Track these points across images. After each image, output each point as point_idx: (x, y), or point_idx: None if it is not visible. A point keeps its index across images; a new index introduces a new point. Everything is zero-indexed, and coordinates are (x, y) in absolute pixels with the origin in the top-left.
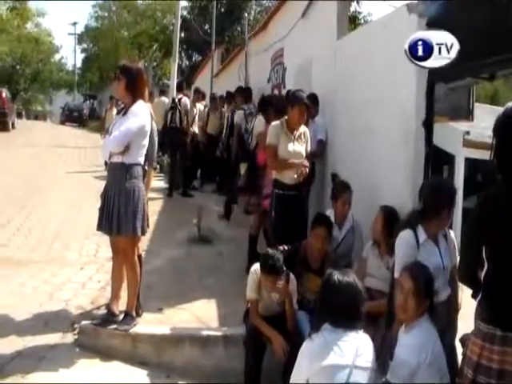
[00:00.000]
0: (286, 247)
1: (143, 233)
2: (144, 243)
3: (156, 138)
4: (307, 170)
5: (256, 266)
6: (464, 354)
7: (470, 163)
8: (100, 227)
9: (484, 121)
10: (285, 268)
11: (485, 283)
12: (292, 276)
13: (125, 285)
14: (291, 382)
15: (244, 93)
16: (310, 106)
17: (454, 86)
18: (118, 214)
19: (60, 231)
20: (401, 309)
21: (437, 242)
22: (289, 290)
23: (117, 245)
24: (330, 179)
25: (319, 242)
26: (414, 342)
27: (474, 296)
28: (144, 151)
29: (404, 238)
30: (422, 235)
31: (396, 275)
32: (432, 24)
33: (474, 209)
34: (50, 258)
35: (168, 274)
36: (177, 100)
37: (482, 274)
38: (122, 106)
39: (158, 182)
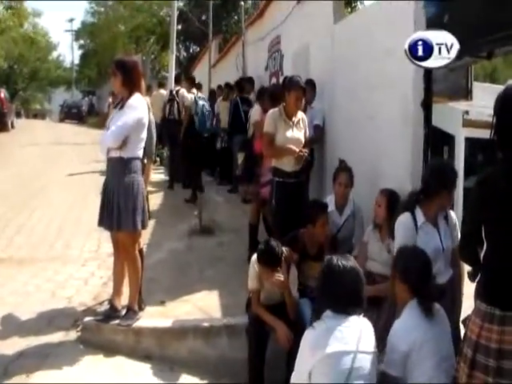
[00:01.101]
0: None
1: (144, 227)
2: (145, 236)
3: (154, 131)
4: (306, 154)
5: (256, 256)
6: (464, 334)
7: (471, 143)
8: (101, 223)
9: (483, 100)
10: (286, 253)
11: (484, 263)
12: (292, 265)
13: (127, 280)
14: (295, 371)
15: (191, 79)
16: (306, 90)
17: (452, 66)
18: (118, 209)
19: (61, 229)
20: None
21: (436, 224)
22: (288, 284)
23: (117, 240)
24: (336, 166)
25: (324, 229)
26: (402, 326)
27: (472, 276)
28: (142, 145)
29: (402, 221)
30: (421, 218)
31: None
32: (429, 6)
33: (474, 187)
34: (52, 255)
35: (170, 266)
36: (174, 92)
37: (482, 254)
38: (120, 99)
39: (158, 174)
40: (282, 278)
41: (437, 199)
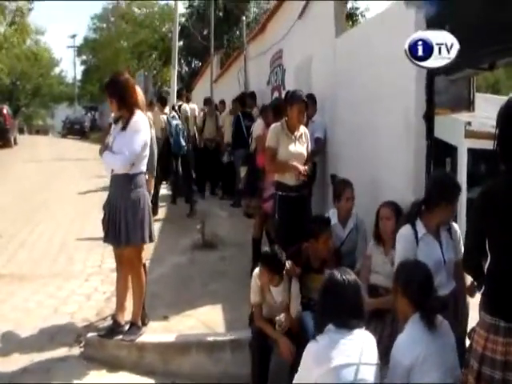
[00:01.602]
0: None
1: (151, 240)
2: (148, 251)
3: (155, 147)
4: (306, 171)
5: (258, 270)
6: (470, 346)
7: (473, 154)
8: (106, 239)
9: (486, 111)
10: (289, 266)
11: (488, 275)
12: (294, 279)
13: (130, 294)
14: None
15: (162, 100)
16: (308, 105)
17: (454, 77)
18: (125, 225)
19: (64, 244)
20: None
21: (438, 236)
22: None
23: (123, 255)
24: (337, 180)
25: (327, 245)
26: (405, 341)
27: (474, 290)
28: (146, 160)
29: (403, 233)
30: (421, 229)
31: None
32: (430, 17)
33: (477, 199)
34: (54, 271)
35: (173, 281)
36: (176, 107)
37: (486, 266)
38: (118, 116)
39: (162, 189)
40: (284, 322)
41: (438, 211)
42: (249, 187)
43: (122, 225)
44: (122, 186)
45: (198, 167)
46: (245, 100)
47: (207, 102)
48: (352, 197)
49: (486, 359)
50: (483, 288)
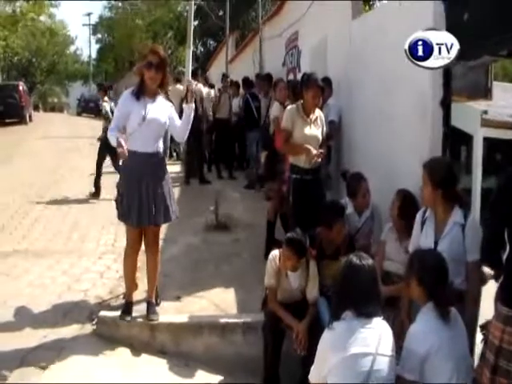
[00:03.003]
0: None
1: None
2: (162, 231)
3: None
4: (321, 155)
5: (275, 253)
6: (486, 339)
7: (489, 143)
8: (145, 220)
9: (503, 100)
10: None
11: (506, 265)
12: (312, 261)
13: (140, 274)
14: (313, 369)
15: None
16: (324, 88)
17: (471, 64)
18: (164, 203)
19: (77, 221)
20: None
21: (442, 224)
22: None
23: (149, 233)
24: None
25: (341, 233)
26: (420, 330)
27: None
28: None
29: (417, 216)
30: (427, 211)
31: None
32: (449, 2)
33: (496, 189)
34: (68, 248)
35: (185, 262)
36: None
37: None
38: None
39: (175, 169)
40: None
41: (425, 191)
42: (269, 171)
43: (160, 203)
44: (157, 164)
45: (215, 149)
46: (250, 81)
47: (223, 77)
48: (368, 190)
49: (502, 352)
50: (500, 279)
